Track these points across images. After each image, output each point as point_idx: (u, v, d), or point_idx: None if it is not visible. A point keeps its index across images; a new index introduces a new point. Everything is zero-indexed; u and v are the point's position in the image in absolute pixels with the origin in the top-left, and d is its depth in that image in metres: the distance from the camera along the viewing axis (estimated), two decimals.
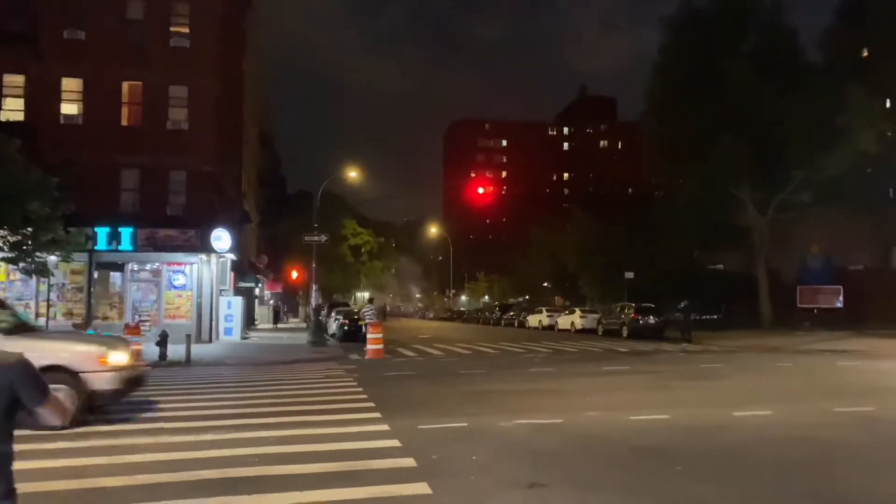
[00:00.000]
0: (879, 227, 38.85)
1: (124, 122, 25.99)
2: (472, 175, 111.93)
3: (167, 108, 25.95)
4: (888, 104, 35.14)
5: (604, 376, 15.16)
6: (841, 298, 32.58)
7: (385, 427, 8.82)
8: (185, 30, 26.32)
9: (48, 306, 19.68)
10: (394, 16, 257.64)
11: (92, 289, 24.83)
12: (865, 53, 38.36)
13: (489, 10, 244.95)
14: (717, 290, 40.75)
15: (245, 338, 29.27)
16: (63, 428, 8.32)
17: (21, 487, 6.02)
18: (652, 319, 30.49)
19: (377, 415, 9.78)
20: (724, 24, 34.11)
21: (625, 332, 30.72)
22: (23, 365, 2.56)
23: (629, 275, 36.94)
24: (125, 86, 26.02)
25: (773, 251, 36.19)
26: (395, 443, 7.93)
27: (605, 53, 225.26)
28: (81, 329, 19.24)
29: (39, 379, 2.60)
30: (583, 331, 35.58)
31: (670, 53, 36.25)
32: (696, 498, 5.75)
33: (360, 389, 12.77)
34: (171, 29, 26.22)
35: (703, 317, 40.38)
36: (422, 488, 6.05)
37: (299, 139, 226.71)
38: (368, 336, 21.25)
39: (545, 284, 65.52)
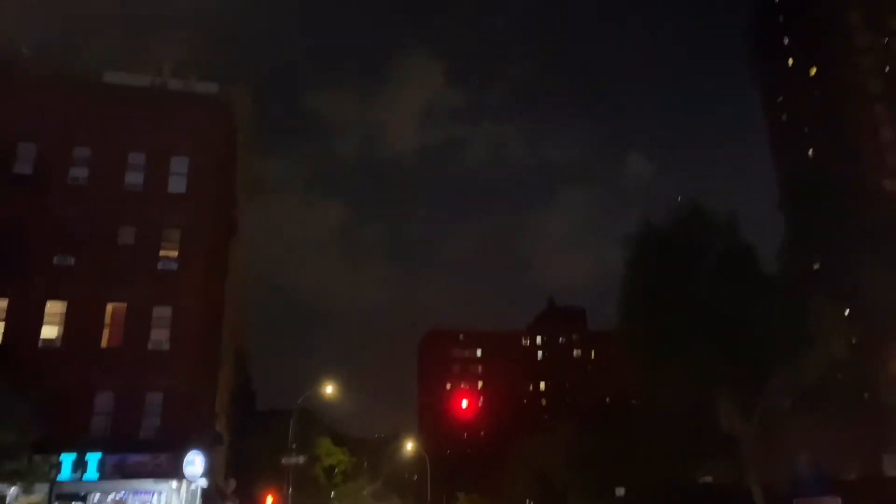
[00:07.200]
0: (865, 432, 38.59)
1: (104, 344, 25.86)
2: (448, 386, 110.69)
3: (149, 329, 26.04)
4: (846, 312, 36.67)
5: None
6: None
7: None
8: (174, 254, 27.26)
9: None
10: (370, 236, 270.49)
11: None
12: (817, 266, 40.90)
13: (460, 226, 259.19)
14: None
15: None
16: None
17: None
18: None
19: None
20: (682, 241, 36.28)
21: None
22: None
23: (620, 491, 35.42)
24: (109, 307, 26.26)
25: (764, 460, 35.33)
26: None
27: (571, 266, 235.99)
28: None
29: None
30: None
31: (635, 268, 38.04)
32: None
33: None
34: (161, 253, 27.14)
35: None
36: None
37: (271, 354, 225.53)
38: None
39: (529, 502, 62.10)
